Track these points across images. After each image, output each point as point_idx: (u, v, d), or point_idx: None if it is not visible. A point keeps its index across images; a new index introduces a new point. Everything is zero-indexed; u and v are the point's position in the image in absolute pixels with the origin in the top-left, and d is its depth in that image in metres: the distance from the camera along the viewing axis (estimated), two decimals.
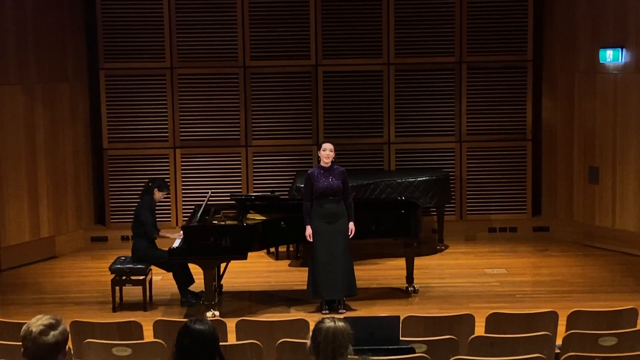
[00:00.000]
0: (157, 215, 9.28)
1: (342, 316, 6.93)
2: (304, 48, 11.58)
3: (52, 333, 3.68)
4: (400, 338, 5.70)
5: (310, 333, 4.12)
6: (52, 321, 3.73)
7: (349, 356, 4.01)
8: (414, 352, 5.31)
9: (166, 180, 9.59)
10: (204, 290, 8.56)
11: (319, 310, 8.51)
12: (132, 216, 9.19)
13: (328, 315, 4.92)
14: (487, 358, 5.27)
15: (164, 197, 9.28)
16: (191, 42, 11.50)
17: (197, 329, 4.05)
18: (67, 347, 3.80)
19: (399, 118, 11.70)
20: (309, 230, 8.46)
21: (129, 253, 9.13)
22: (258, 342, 5.68)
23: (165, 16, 11.43)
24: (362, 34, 11.58)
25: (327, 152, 8.45)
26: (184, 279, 8.93)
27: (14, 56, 10.53)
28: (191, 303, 8.82)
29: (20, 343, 3.79)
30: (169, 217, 11.47)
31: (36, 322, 3.70)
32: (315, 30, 11.54)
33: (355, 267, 8.79)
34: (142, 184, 9.54)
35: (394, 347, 5.30)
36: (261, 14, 11.50)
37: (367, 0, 11.54)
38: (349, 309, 8.58)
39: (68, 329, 3.84)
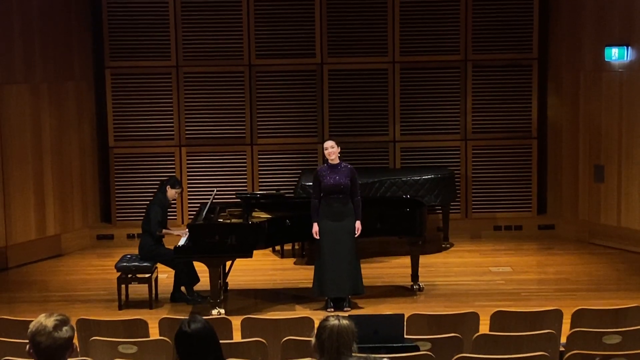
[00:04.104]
0: (167, 217, 9.30)
1: (346, 314, 6.96)
2: (309, 46, 11.59)
3: (64, 328, 3.72)
4: (405, 336, 5.71)
5: (315, 331, 4.13)
6: (64, 317, 3.77)
7: (353, 354, 4.02)
8: (419, 350, 5.32)
9: (166, 177, 9.59)
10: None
11: (324, 308, 8.52)
12: (138, 214, 9.23)
13: (333, 313, 4.94)
14: (492, 356, 5.27)
15: (177, 194, 9.27)
16: (197, 40, 11.52)
17: (194, 328, 4.04)
18: (74, 343, 3.83)
19: (404, 116, 11.71)
20: (315, 228, 8.47)
21: (134, 251, 9.16)
22: (263, 340, 5.69)
23: (170, 15, 11.46)
24: (368, 32, 11.59)
25: (329, 150, 8.46)
26: (189, 277, 8.95)
27: (21, 55, 10.56)
28: (197, 301, 8.85)
29: (27, 341, 3.81)
30: (175, 215, 11.49)
31: (48, 318, 3.73)
32: (320, 28, 11.56)
33: (361, 265, 8.79)
34: (148, 182, 9.56)
35: (398, 345, 5.31)
36: (266, 12, 11.52)
37: None
38: (354, 306, 8.59)
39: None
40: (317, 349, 4.08)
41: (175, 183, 9.16)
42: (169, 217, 9.35)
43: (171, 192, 9.09)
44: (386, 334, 5.33)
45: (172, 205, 11.37)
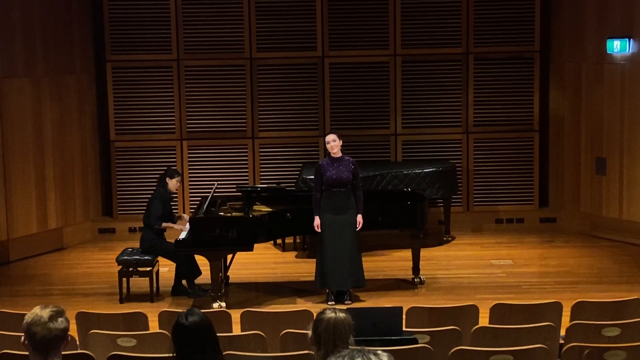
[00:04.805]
0: (172, 209, 9.28)
1: (346, 307, 6.96)
2: (310, 39, 11.57)
3: (60, 319, 3.76)
4: (404, 329, 5.71)
5: (312, 324, 4.13)
6: (59, 309, 3.81)
7: (349, 347, 4.02)
8: (417, 343, 5.32)
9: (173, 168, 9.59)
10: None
11: (325, 301, 8.51)
12: (140, 207, 9.24)
13: (329, 306, 4.94)
14: (490, 348, 5.27)
15: (178, 183, 9.23)
16: (198, 34, 11.51)
17: (191, 321, 4.04)
18: (69, 335, 3.86)
19: (405, 109, 11.69)
20: (317, 221, 8.46)
21: (136, 244, 9.17)
22: (262, 333, 5.69)
23: (171, 8, 11.45)
24: (369, 25, 11.57)
25: (331, 144, 8.44)
26: (191, 270, 8.96)
27: (22, 49, 10.56)
28: (198, 294, 8.86)
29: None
30: (176, 209, 11.49)
31: (44, 309, 3.77)
32: (321, 21, 11.54)
33: (362, 259, 8.78)
34: (150, 176, 9.56)
35: (397, 337, 5.31)
36: (267, 5, 11.50)
37: None
38: (355, 299, 8.60)
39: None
40: (314, 341, 4.07)
41: (174, 173, 9.16)
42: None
43: (172, 183, 9.08)
44: (384, 327, 5.32)
45: (174, 198, 11.40)
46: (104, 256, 10.66)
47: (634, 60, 10.65)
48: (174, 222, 9.16)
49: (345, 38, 11.59)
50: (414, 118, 11.71)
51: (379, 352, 2.93)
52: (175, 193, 10.06)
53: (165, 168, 9.50)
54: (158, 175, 9.54)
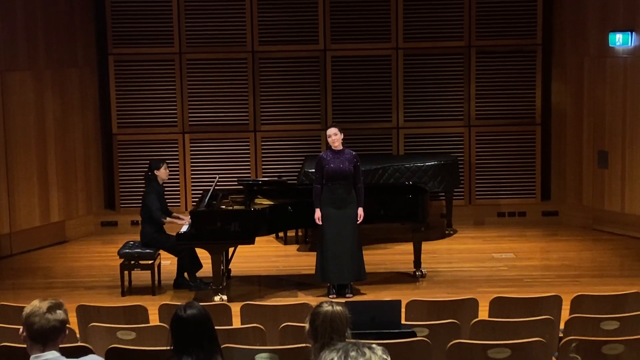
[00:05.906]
0: (166, 201, 9.28)
1: (344, 300, 6.97)
2: (312, 33, 11.57)
3: (58, 311, 3.80)
4: (404, 322, 5.72)
5: (309, 317, 4.13)
6: (58, 301, 3.86)
7: (346, 340, 4.02)
8: (415, 336, 5.32)
9: (167, 161, 9.53)
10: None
11: (327, 294, 8.52)
12: (142, 201, 9.22)
13: (327, 299, 4.94)
14: (487, 342, 5.27)
15: (170, 175, 9.17)
16: (200, 27, 11.51)
17: (189, 314, 4.06)
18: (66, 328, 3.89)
19: (407, 103, 11.68)
20: (318, 214, 8.46)
21: (138, 238, 9.17)
22: (261, 326, 5.70)
23: (173, 1, 11.44)
24: (371, 18, 11.56)
25: (332, 138, 8.45)
26: (192, 263, 8.97)
27: (24, 42, 10.57)
28: (200, 287, 8.87)
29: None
30: (178, 202, 11.52)
31: (43, 302, 3.82)
32: (323, 14, 11.53)
33: (363, 252, 8.79)
34: None
35: (395, 331, 5.31)
36: None
37: None
38: (356, 293, 8.60)
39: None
40: (311, 335, 4.08)
41: (158, 163, 9.12)
42: (170, 205, 9.35)
43: (161, 172, 9.05)
44: (383, 320, 5.33)
45: (176, 193, 11.42)
46: (106, 249, 10.68)
47: (636, 54, 10.63)
48: (170, 217, 9.12)
49: (347, 31, 11.58)
50: (416, 111, 11.70)
51: (374, 345, 2.93)
52: (177, 179, 10.00)
53: (148, 164, 9.38)
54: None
